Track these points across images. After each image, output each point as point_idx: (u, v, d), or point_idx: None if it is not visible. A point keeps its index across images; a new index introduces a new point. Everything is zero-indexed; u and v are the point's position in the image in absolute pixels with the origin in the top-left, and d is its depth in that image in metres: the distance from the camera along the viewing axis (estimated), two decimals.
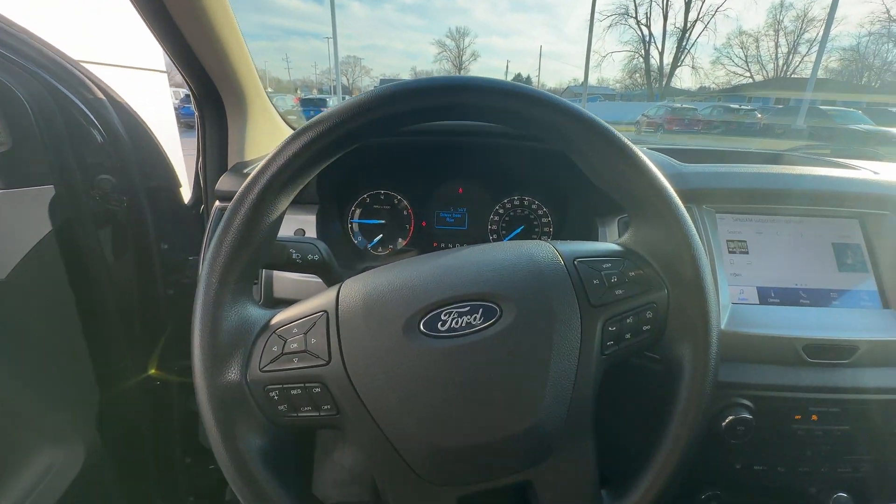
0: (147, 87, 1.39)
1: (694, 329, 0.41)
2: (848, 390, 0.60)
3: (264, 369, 0.39)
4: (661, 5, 28.12)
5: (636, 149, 0.41)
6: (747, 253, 0.66)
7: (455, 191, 0.88)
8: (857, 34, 26.42)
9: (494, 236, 0.88)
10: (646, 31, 28.82)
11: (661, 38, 28.70)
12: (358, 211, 0.87)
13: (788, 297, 0.64)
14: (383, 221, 0.87)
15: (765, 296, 0.64)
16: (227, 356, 0.38)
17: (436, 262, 0.43)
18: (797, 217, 0.68)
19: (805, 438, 0.63)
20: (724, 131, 12.71)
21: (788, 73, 27.00)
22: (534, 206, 0.87)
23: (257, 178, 0.39)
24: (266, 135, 0.91)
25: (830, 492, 0.66)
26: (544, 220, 0.86)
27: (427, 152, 0.82)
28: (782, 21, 27.97)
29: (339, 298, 0.41)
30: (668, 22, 28.31)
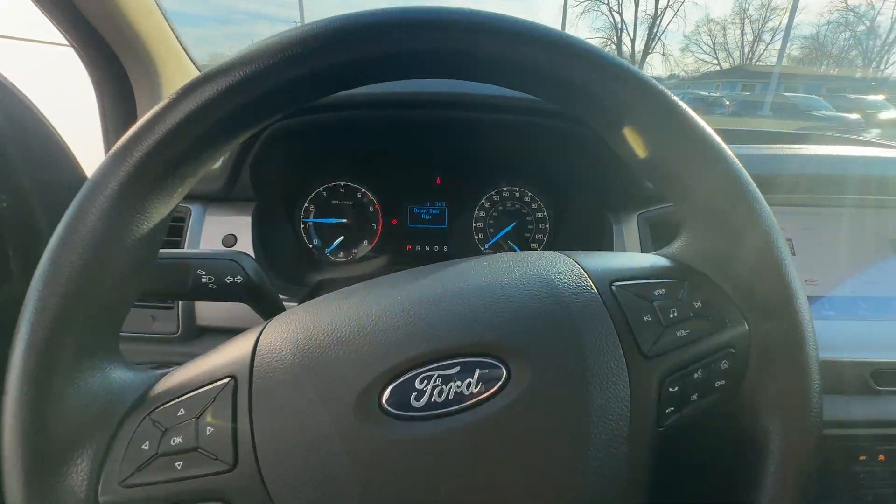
0: (52, 64, 1.17)
1: (788, 386, 0.27)
2: None
3: (127, 482, 0.23)
4: None
5: (702, 121, 0.28)
6: (794, 254, 0.54)
7: (431, 181, 0.73)
8: (817, 23, 27.42)
9: (481, 235, 0.73)
10: (618, 18, 29.04)
11: (632, 24, 28.99)
12: (312, 208, 0.71)
13: (846, 308, 0.52)
14: (345, 220, 0.71)
15: (818, 308, 0.52)
16: (61, 462, 0.23)
17: (403, 292, 0.28)
18: (850, 209, 0.56)
19: (868, 482, 0.51)
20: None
21: (754, 60, 27.76)
22: (526, 199, 0.72)
23: (122, 157, 0.23)
24: None
25: None
26: (539, 214, 0.72)
27: (397, 132, 0.66)
28: (747, 9, 28.67)
29: (257, 354, 0.26)
30: (639, 9, 28.58)
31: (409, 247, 0.73)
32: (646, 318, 0.27)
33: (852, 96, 14.89)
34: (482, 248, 0.73)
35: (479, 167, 0.71)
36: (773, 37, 27.25)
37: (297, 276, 0.65)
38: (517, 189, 0.72)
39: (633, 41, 29.30)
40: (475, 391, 0.24)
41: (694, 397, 0.28)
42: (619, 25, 29.12)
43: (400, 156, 0.71)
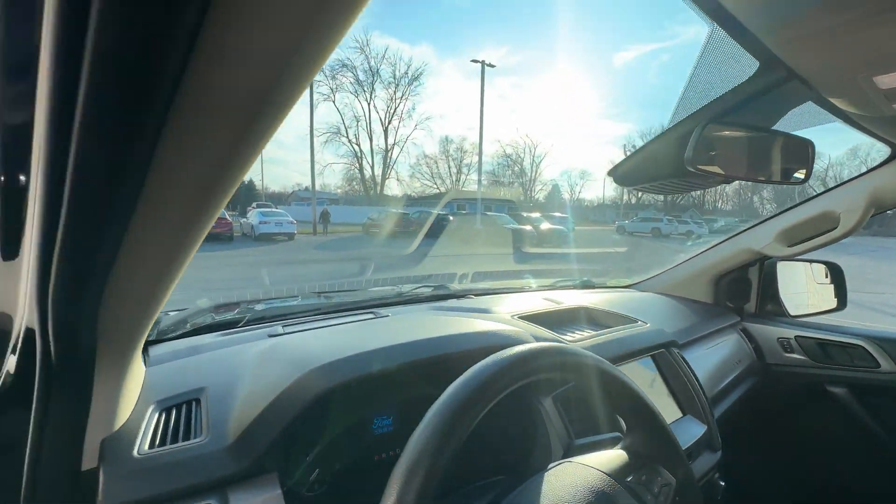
0: None
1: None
2: None
3: None
4: (366, 130, 34.10)
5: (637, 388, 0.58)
6: None
7: None
8: (492, 163, 39.37)
9: None
10: (357, 149, 33.98)
11: (370, 154, 34.46)
12: None
13: None
14: None
15: None
16: None
17: None
18: None
19: None
20: (434, 232, 15.86)
21: (460, 186, 36.89)
22: None
23: None
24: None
25: None
26: None
27: None
28: (448, 150, 38.59)
29: None
30: (373, 143, 34.40)
31: None
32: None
33: (524, 214, 21.66)
34: None
35: None
36: (469, 170, 37.28)
37: None
38: None
39: (372, 167, 34.40)
40: None
41: None
42: (359, 154, 33.89)
43: None
